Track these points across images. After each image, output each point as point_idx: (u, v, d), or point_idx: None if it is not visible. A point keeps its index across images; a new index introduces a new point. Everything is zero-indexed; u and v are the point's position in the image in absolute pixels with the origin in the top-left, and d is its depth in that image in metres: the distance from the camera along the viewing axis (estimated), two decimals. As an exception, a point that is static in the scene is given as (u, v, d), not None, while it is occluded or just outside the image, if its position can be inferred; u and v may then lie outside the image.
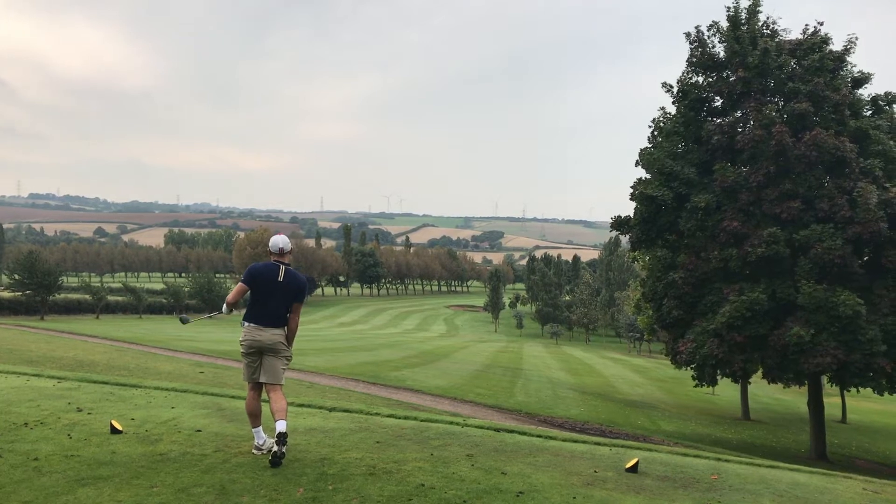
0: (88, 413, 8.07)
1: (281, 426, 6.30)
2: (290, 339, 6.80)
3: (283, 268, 6.71)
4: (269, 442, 6.64)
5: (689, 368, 24.75)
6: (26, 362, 18.06)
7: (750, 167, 22.44)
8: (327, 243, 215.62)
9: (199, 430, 7.43)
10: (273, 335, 6.62)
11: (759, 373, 24.43)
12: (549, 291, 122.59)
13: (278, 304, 6.64)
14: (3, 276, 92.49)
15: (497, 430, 8.89)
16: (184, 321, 7.78)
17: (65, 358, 22.12)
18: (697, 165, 23.85)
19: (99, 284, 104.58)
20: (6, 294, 76.03)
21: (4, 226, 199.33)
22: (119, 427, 7.17)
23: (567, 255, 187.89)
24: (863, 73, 23.51)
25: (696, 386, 25.51)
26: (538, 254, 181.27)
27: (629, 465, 7.06)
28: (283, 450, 6.22)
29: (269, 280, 6.64)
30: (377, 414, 9.35)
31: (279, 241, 6.86)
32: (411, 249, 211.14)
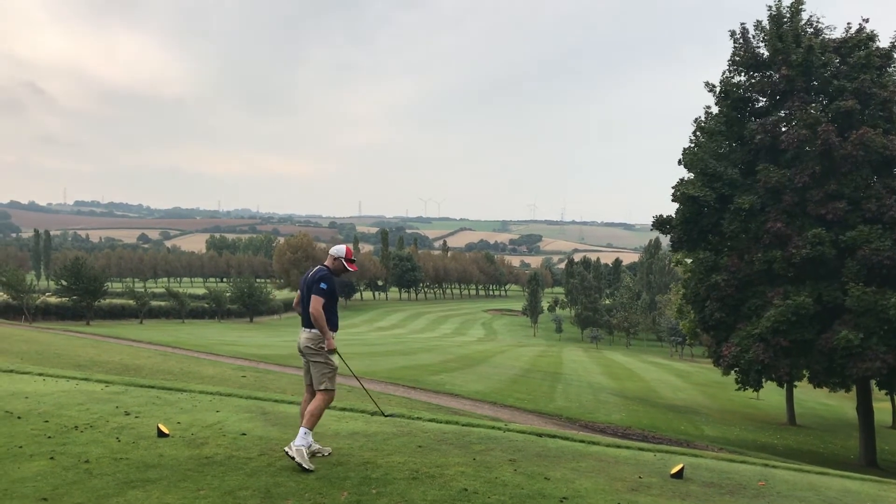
0: (136, 417, 8.21)
1: (300, 431, 6.37)
2: (317, 326, 6.63)
3: (314, 268, 6.82)
4: (315, 445, 6.70)
5: (733, 373, 24.38)
6: (74, 366, 18.46)
7: (794, 168, 22.07)
8: (365, 248, 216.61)
9: (244, 434, 7.51)
10: (304, 338, 6.71)
11: (806, 377, 23.98)
12: (588, 295, 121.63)
13: (307, 303, 6.70)
14: (51, 282, 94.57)
15: (539, 434, 8.84)
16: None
17: (111, 362, 22.56)
18: (740, 166, 23.54)
19: (142, 290, 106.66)
20: (53, 299, 77.76)
21: (51, 233, 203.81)
22: (166, 430, 7.27)
23: (606, 259, 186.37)
24: (912, 70, 22.96)
25: (737, 390, 25.13)
26: (577, 257, 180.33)
27: (674, 470, 6.97)
28: (289, 451, 6.26)
29: (302, 282, 6.83)
30: (418, 418, 9.36)
31: (332, 248, 6.97)
32: (449, 253, 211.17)
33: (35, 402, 8.87)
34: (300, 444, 6.30)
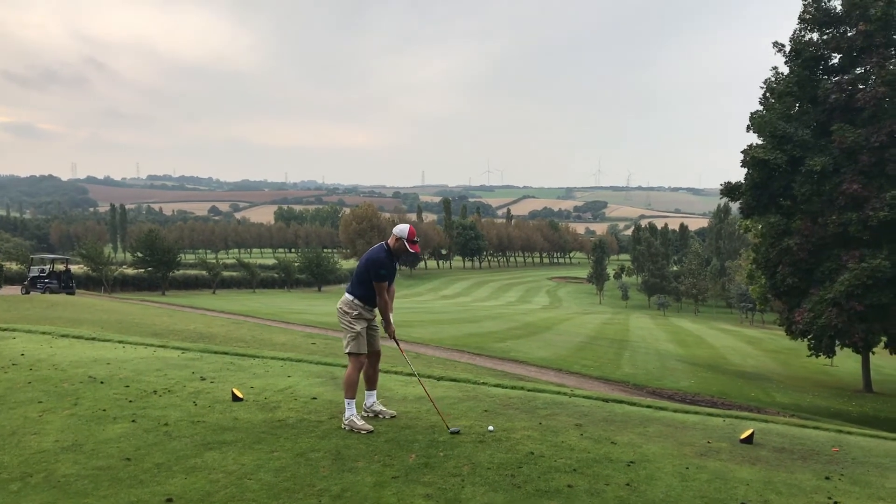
0: (211, 382, 8.50)
1: (345, 402, 6.64)
2: (381, 314, 6.83)
3: (376, 245, 6.86)
4: (378, 406, 6.99)
5: (805, 339, 23.81)
6: (152, 335, 19.12)
7: (871, 127, 21.22)
8: (429, 217, 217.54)
9: (315, 398, 7.71)
10: (340, 300, 6.82)
11: (883, 342, 23.26)
12: (655, 262, 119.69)
13: (360, 273, 6.76)
14: (127, 254, 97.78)
15: (605, 400, 8.83)
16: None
17: (186, 330, 23.27)
18: (813, 127, 22.75)
19: (214, 261, 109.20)
20: (130, 271, 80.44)
21: (126, 206, 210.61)
22: (240, 395, 7.52)
23: (674, 224, 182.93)
24: None
25: (809, 356, 24.53)
26: (643, 223, 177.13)
27: (744, 435, 6.88)
28: (344, 427, 6.52)
29: (364, 257, 6.86)
30: (484, 383, 9.43)
31: (396, 227, 6.95)
32: (512, 221, 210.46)
33: (116, 368, 9.26)
34: (346, 416, 6.53)
